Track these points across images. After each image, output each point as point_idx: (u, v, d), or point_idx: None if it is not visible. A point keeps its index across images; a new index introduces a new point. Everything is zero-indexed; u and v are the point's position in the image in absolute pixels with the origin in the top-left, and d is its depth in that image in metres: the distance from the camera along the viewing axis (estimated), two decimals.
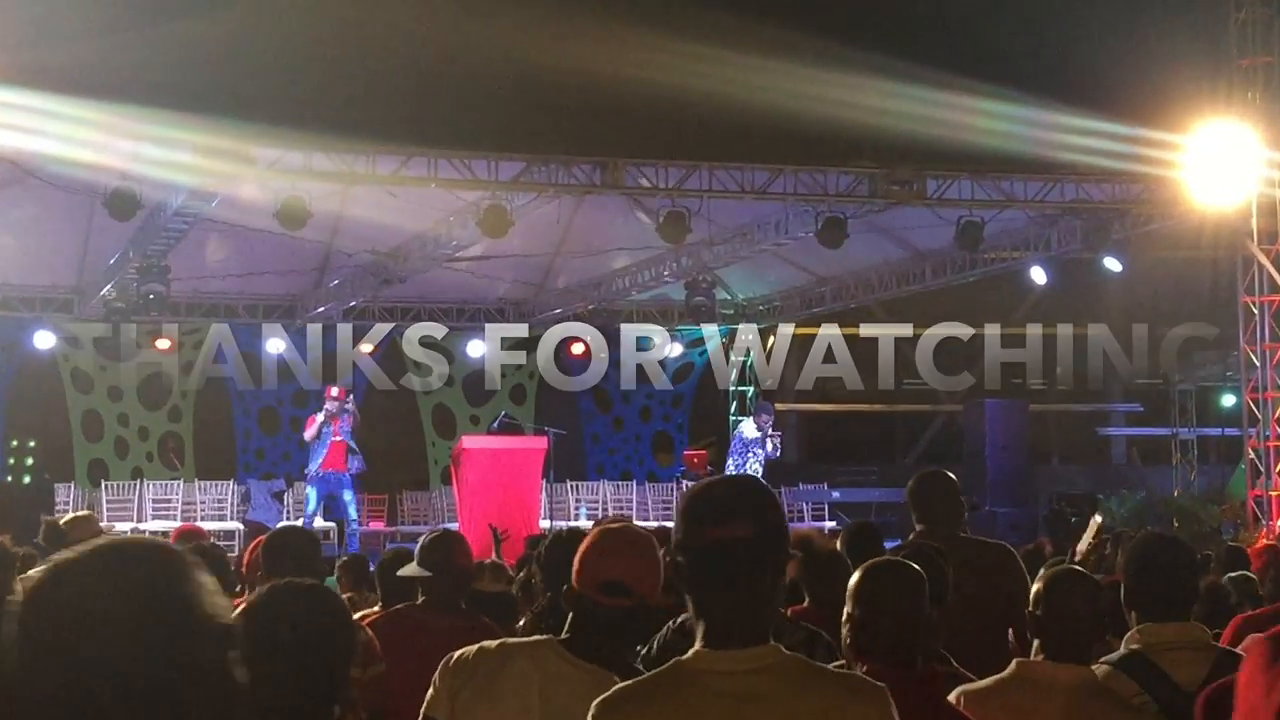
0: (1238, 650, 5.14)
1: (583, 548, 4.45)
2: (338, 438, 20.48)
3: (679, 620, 5.37)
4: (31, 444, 25.05)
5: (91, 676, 2.17)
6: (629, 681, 3.41)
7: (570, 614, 4.48)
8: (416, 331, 26.31)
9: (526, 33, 17.60)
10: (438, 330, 26.34)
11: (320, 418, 20.61)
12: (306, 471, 20.93)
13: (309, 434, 20.71)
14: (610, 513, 24.01)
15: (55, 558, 2.33)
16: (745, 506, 3.28)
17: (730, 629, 3.21)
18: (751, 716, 3.18)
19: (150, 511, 22.22)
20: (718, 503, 3.31)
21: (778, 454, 22.18)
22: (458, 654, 4.41)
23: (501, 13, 18.16)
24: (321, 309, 24.86)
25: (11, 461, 24.66)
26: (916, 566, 4.49)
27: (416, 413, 27.25)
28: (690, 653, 3.28)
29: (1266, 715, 1.51)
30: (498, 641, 4.48)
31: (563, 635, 4.39)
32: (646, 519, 22.58)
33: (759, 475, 21.17)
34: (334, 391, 21.06)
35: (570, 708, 3.98)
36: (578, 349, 26.68)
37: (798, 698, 3.18)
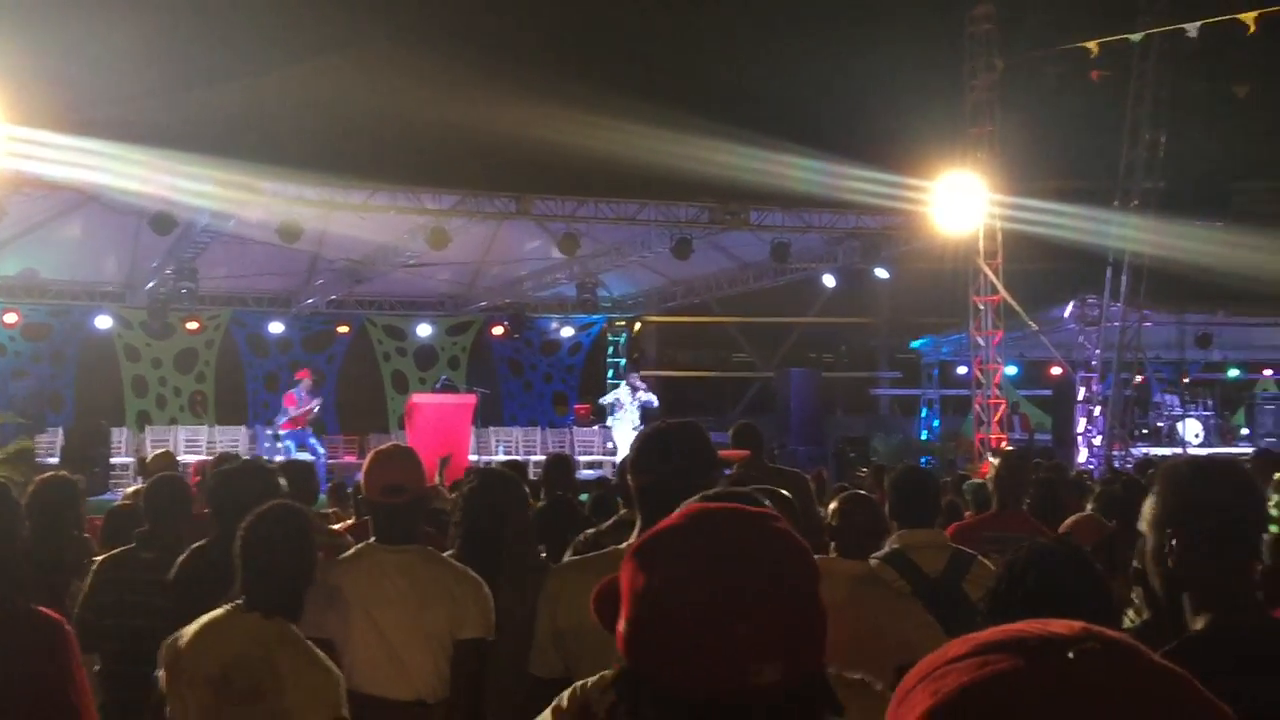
0: (965, 549, 5.31)
1: (365, 465, 4.46)
2: (299, 410, 20.61)
3: (602, 526, 5.32)
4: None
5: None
6: (578, 557, 3.42)
7: (371, 514, 4.48)
8: (380, 317, 26.37)
9: (464, 103, 17.56)
10: (395, 317, 26.47)
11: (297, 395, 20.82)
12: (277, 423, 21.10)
13: (293, 409, 20.75)
14: (521, 448, 24.02)
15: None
16: (683, 448, 3.20)
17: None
18: None
19: (183, 449, 21.87)
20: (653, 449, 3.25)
21: (654, 404, 22.32)
22: (350, 552, 4.43)
23: (447, 88, 18.12)
24: (310, 300, 24.64)
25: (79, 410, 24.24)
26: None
27: (380, 376, 27.06)
28: (624, 544, 3.24)
29: (642, 606, 1.48)
30: (359, 545, 4.47)
31: (371, 536, 4.39)
32: (546, 450, 22.58)
33: (635, 421, 21.41)
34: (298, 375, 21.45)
35: (396, 579, 4.15)
36: (498, 330, 26.68)
37: None
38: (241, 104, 17.74)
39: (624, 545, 3.30)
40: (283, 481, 5.12)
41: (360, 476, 4.68)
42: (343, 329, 26.31)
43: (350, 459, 22.96)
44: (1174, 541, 2.64)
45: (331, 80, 18.72)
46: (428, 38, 22.08)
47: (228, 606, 3.73)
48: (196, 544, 4.87)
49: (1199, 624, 2.60)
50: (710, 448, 3.28)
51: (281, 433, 20.69)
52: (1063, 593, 3.07)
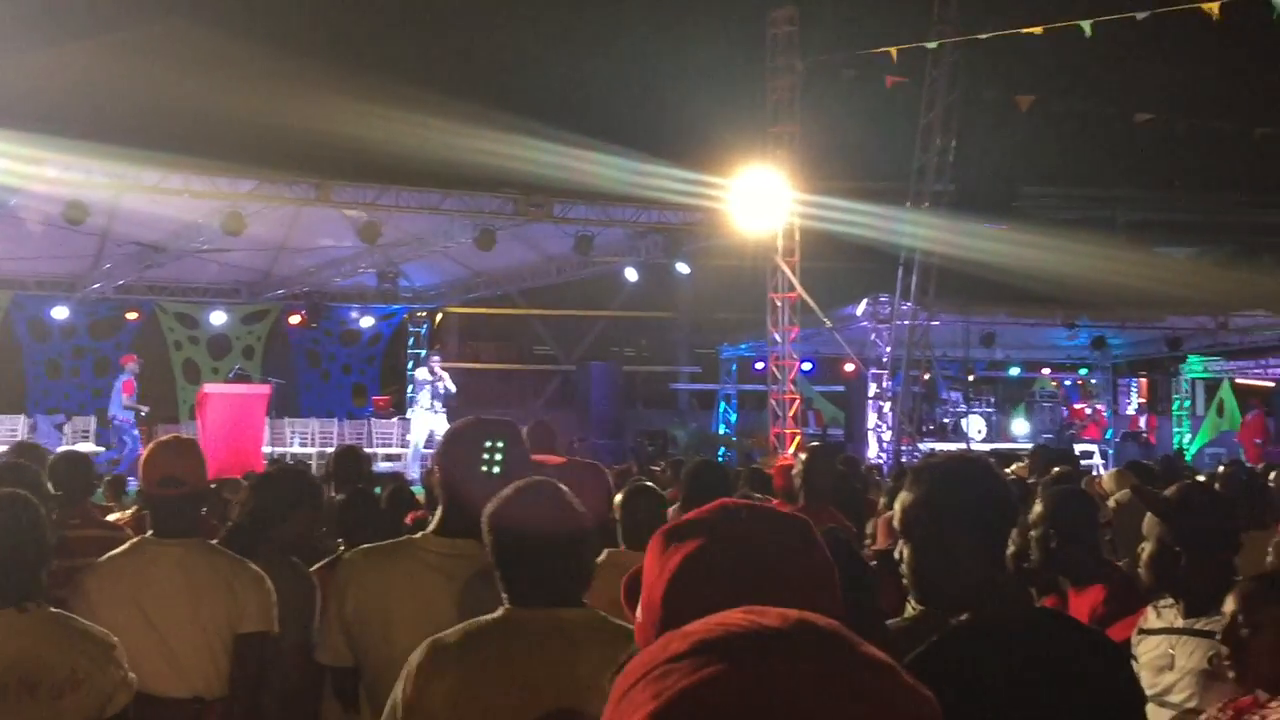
0: None
1: (143, 457, 4.40)
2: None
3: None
4: None
5: None
6: (373, 544, 3.46)
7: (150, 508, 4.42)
8: (171, 304, 25.55)
9: (265, 87, 17.16)
10: (188, 304, 25.74)
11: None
12: (117, 416, 20.78)
13: (130, 396, 20.60)
14: (318, 439, 23.56)
15: None
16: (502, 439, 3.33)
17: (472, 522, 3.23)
18: (433, 583, 3.21)
19: None
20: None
21: (452, 390, 22.14)
22: (124, 546, 4.33)
23: (247, 71, 17.69)
24: (97, 285, 23.72)
25: None
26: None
27: (170, 365, 26.24)
28: (420, 535, 3.33)
29: (658, 592, 1.55)
30: (134, 539, 4.40)
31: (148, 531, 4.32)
32: (341, 441, 22.20)
33: (434, 408, 21.25)
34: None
35: (172, 573, 4.07)
36: (295, 320, 26.15)
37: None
38: (25, 77, 16.96)
39: (419, 535, 3.30)
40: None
41: (140, 468, 4.55)
42: (131, 315, 25.45)
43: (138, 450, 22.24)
44: (926, 542, 2.75)
45: (124, 57, 18.04)
46: (226, 19, 21.53)
47: None
48: None
49: (962, 616, 2.70)
50: (525, 447, 3.38)
51: (121, 421, 20.43)
52: None
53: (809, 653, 0.96)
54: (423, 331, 28.09)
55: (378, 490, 7.03)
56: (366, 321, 27.31)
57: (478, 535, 2.96)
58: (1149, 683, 3.76)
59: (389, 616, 3.18)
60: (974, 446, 22.26)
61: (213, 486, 6.60)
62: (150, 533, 4.26)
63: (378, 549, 3.40)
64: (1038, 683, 2.57)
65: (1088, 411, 27.82)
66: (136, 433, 20.32)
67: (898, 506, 2.93)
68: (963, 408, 25.29)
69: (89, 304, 24.62)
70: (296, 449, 22.68)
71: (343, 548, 5.19)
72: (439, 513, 3.30)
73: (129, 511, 7.72)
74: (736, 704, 0.92)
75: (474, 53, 28.17)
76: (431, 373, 22.05)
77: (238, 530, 4.67)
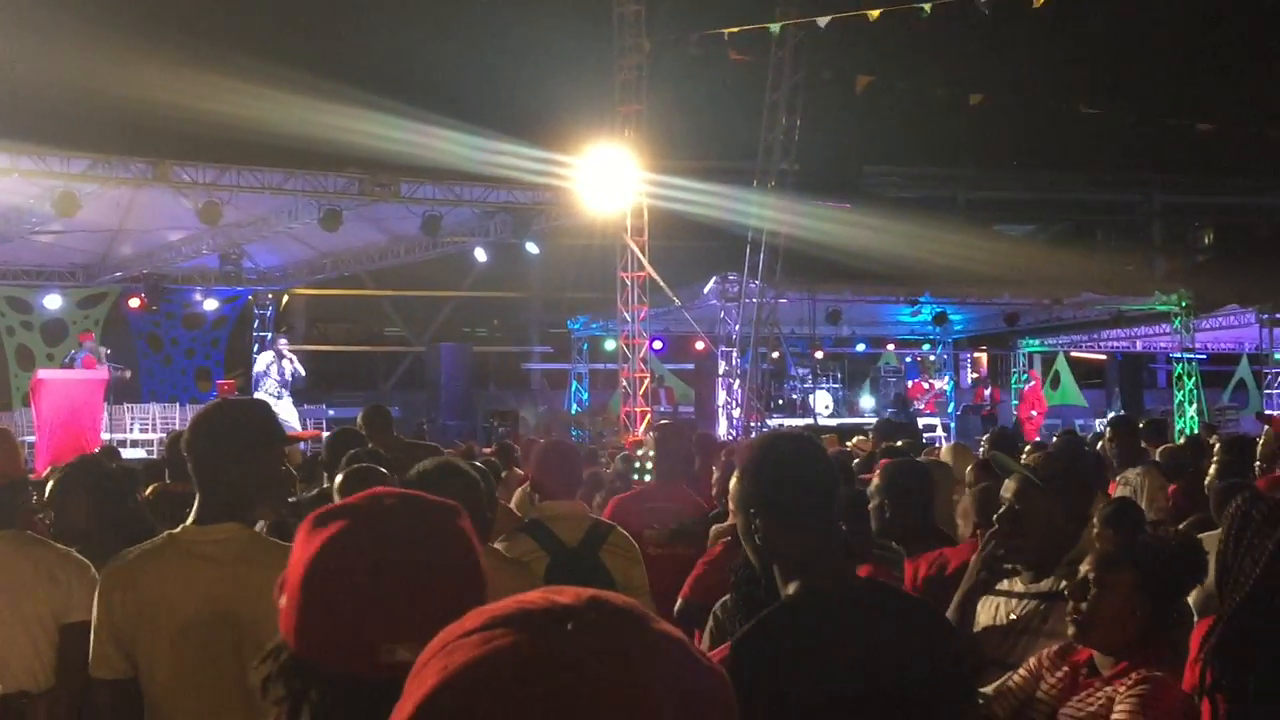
0: (605, 519, 5.46)
1: None
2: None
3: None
4: None
5: None
6: (132, 549, 3.27)
7: None
8: (2, 288, 24.68)
9: (99, 63, 16.64)
10: (20, 288, 24.86)
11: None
12: None
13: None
14: (159, 425, 22.97)
15: None
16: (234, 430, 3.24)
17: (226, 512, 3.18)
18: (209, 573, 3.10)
19: None
20: (214, 427, 3.25)
21: (301, 375, 21.76)
22: None
23: (79, 46, 17.14)
24: None
25: None
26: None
27: (3, 351, 25.33)
28: (180, 528, 3.18)
29: (297, 575, 1.56)
30: None
31: None
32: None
33: (279, 392, 20.90)
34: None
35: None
36: (135, 303, 25.44)
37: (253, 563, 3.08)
38: None
39: (179, 529, 3.16)
40: None
41: None
42: None
43: None
44: (757, 520, 2.80)
45: None
46: None
47: None
48: None
49: (789, 590, 2.76)
50: (261, 427, 3.28)
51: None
52: None
53: (600, 627, 0.97)
54: (269, 314, 27.57)
55: None
56: (210, 304, 26.69)
57: (238, 518, 3.12)
58: (988, 642, 3.87)
59: (161, 617, 3.04)
60: (821, 422, 22.65)
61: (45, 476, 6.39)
62: None
63: (141, 551, 3.20)
64: (861, 652, 2.64)
65: (926, 386, 28.51)
66: None
67: (731, 487, 2.98)
68: (810, 384, 25.71)
69: None
70: (137, 435, 22.10)
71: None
72: (195, 502, 3.18)
73: None
74: (524, 674, 0.93)
75: (318, 28, 27.65)
76: (279, 355, 21.69)
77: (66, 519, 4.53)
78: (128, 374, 21.91)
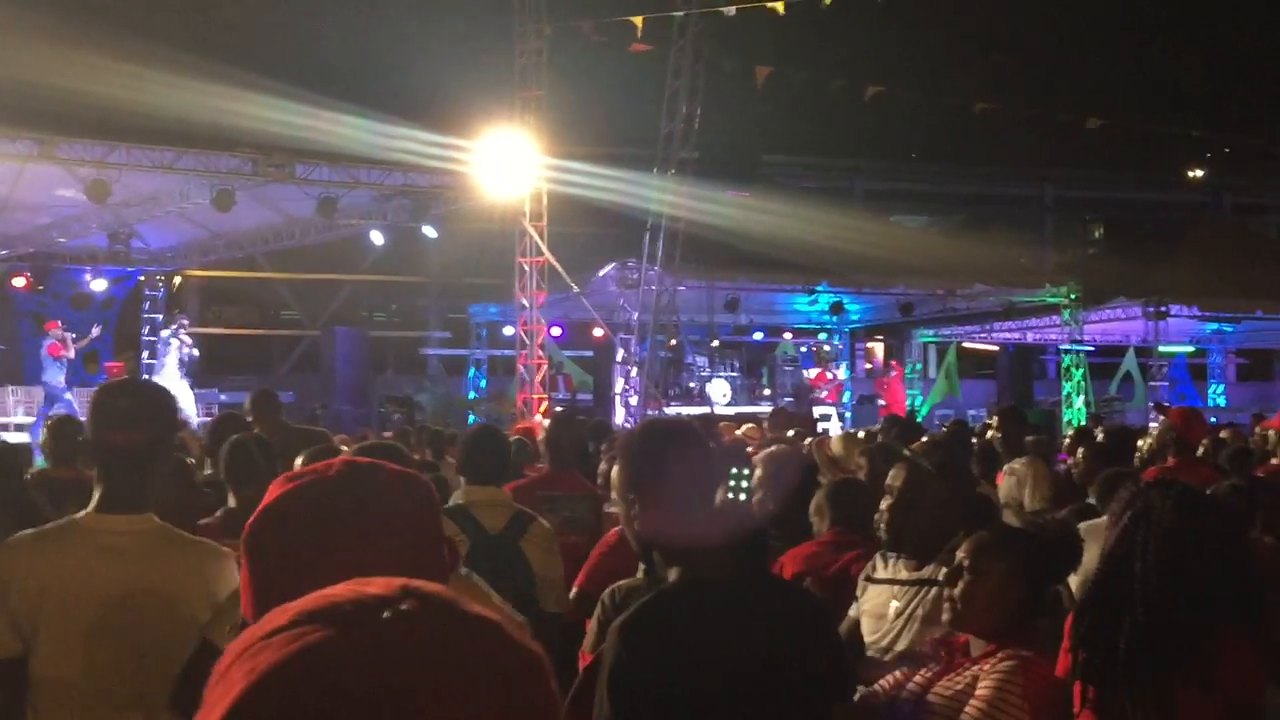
0: (526, 509, 5.45)
1: None
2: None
3: None
4: None
5: None
6: (29, 530, 3.21)
7: None
8: None
9: None
10: None
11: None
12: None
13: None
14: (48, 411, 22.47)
15: None
16: (142, 417, 3.13)
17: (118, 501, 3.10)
18: (119, 564, 3.05)
19: None
20: (120, 412, 3.12)
21: (196, 352, 21.43)
22: None
23: None
24: None
25: None
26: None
27: None
28: (82, 513, 3.12)
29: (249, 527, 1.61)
30: None
31: None
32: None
33: (177, 373, 20.61)
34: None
35: None
36: (19, 282, 24.80)
37: (164, 555, 3.09)
38: None
39: (80, 515, 3.11)
40: None
41: None
42: None
43: None
44: (637, 506, 2.83)
45: None
46: None
47: None
48: None
49: (670, 577, 2.79)
50: (168, 412, 3.23)
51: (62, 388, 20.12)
52: None
53: (413, 617, 0.93)
54: (160, 295, 27.06)
55: None
56: (99, 284, 26.09)
57: (144, 508, 3.07)
58: (872, 629, 3.95)
59: (70, 606, 2.98)
60: (719, 410, 22.79)
61: None
62: None
63: (41, 533, 3.13)
64: (739, 638, 2.68)
65: (830, 376, 28.80)
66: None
67: (613, 476, 3.00)
68: (708, 372, 25.85)
69: None
70: (21, 418, 21.59)
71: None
72: (98, 490, 3.11)
73: None
74: (337, 671, 0.89)
75: (211, 6, 27.17)
76: (176, 337, 21.40)
77: None
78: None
